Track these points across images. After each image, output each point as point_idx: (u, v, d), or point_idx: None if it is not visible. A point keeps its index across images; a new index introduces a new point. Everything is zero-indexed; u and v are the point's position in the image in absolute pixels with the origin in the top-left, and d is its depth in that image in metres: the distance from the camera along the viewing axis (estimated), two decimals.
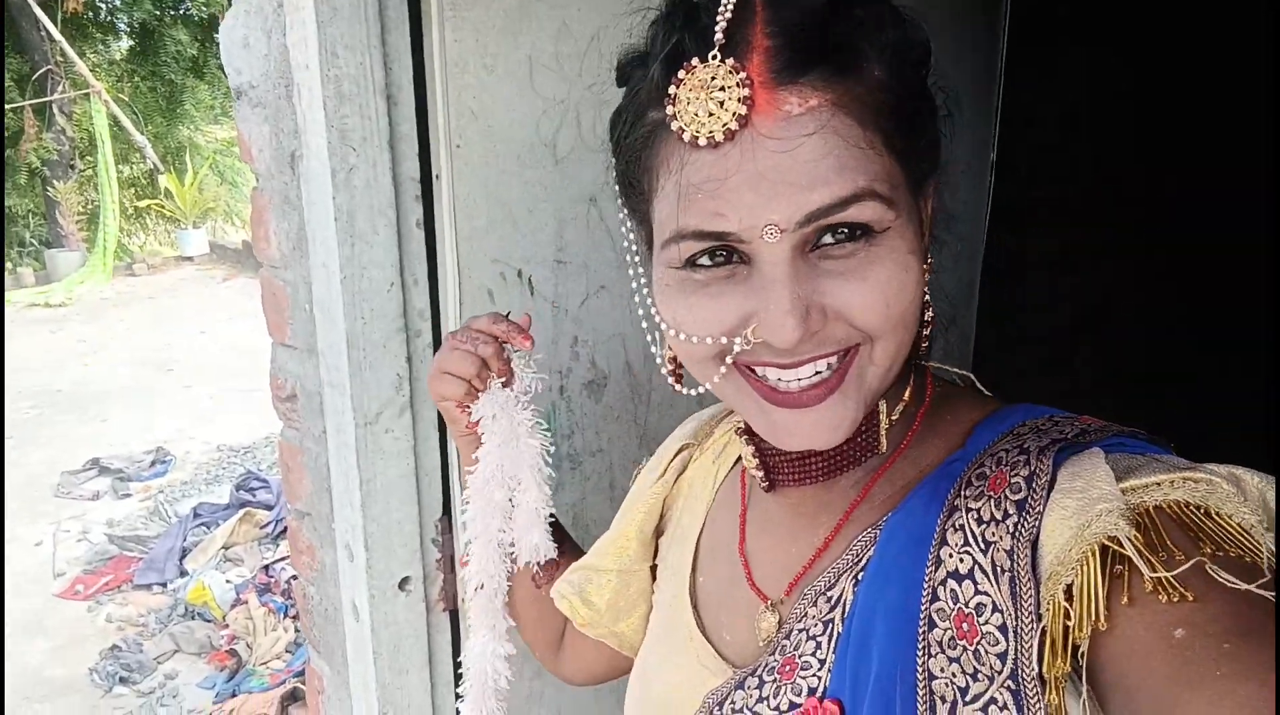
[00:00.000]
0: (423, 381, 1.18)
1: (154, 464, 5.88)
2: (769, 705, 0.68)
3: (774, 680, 0.68)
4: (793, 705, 0.66)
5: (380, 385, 1.14)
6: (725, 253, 0.60)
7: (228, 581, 4.29)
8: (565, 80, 1.17)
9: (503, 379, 0.91)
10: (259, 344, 1.40)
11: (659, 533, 0.92)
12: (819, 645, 0.66)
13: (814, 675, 0.66)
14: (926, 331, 0.68)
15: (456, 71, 1.10)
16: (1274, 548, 0.51)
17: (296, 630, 3.76)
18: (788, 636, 0.69)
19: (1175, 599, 0.50)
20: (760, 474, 0.74)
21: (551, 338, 1.22)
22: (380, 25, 1.06)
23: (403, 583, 1.23)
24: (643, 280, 0.70)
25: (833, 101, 0.56)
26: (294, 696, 3.38)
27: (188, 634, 3.99)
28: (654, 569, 0.92)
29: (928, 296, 0.66)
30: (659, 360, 0.72)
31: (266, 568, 4.32)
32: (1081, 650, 0.53)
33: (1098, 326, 2.68)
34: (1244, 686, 0.46)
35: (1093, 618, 0.52)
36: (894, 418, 0.70)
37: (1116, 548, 0.52)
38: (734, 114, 0.55)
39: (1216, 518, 0.52)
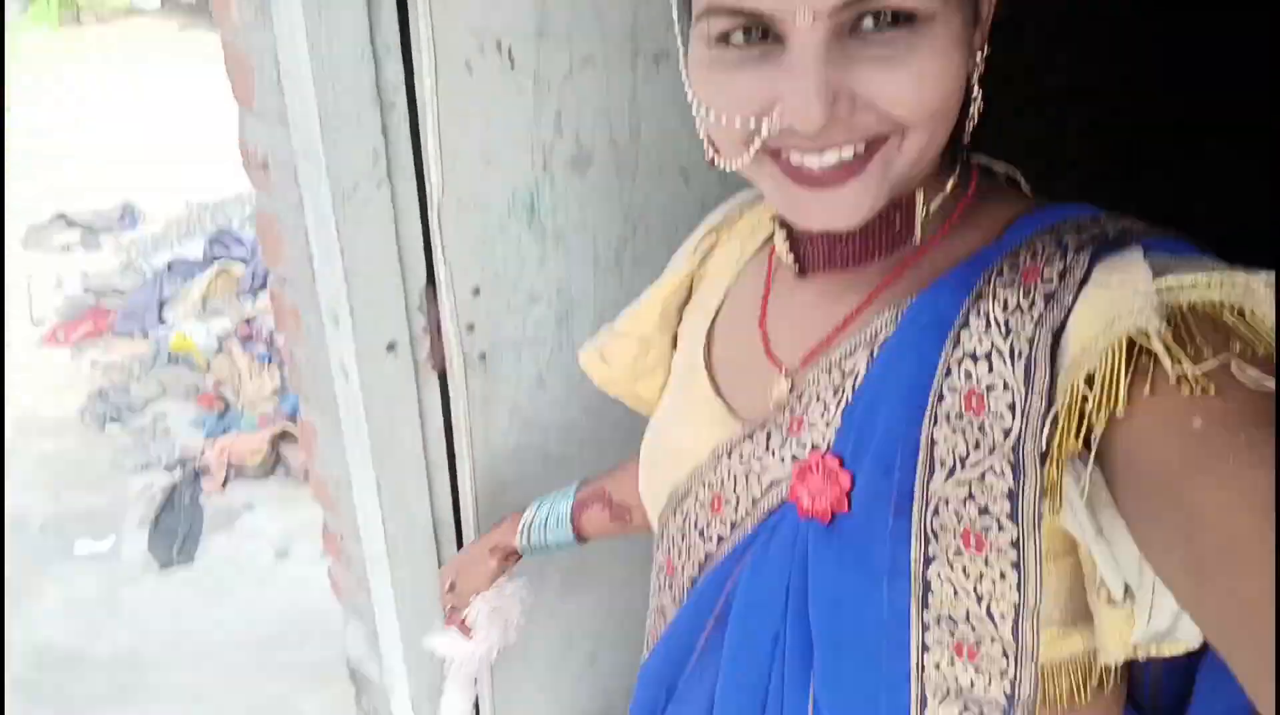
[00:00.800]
0: (400, 156, 1.16)
1: (123, 217, 5.76)
2: (774, 455, 0.71)
3: (781, 435, 0.71)
4: (795, 457, 0.69)
5: (356, 157, 1.12)
6: (761, 31, 0.57)
7: (209, 332, 4.33)
8: None
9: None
10: (223, 95, 1.33)
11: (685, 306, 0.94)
12: (827, 408, 0.69)
13: (819, 434, 0.69)
14: (972, 123, 0.65)
15: None
16: None
17: (283, 377, 3.84)
18: (799, 399, 0.71)
19: (1198, 391, 0.50)
20: (790, 257, 0.74)
21: (533, 115, 1.20)
22: None
23: (390, 346, 1.27)
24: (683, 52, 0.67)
25: None
26: (284, 436, 3.53)
27: (174, 378, 4.06)
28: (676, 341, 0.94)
29: (976, 91, 0.62)
30: (700, 134, 0.68)
31: (248, 321, 4.35)
32: (1095, 433, 0.54)
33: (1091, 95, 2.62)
34: (1254, 472, 0.47)
35: (1112, 402, 0.53)
36: (931, 208, 0.68)
37: (1144, 342, 0.52)
38: None
39: (1250, 318, 0.52)
